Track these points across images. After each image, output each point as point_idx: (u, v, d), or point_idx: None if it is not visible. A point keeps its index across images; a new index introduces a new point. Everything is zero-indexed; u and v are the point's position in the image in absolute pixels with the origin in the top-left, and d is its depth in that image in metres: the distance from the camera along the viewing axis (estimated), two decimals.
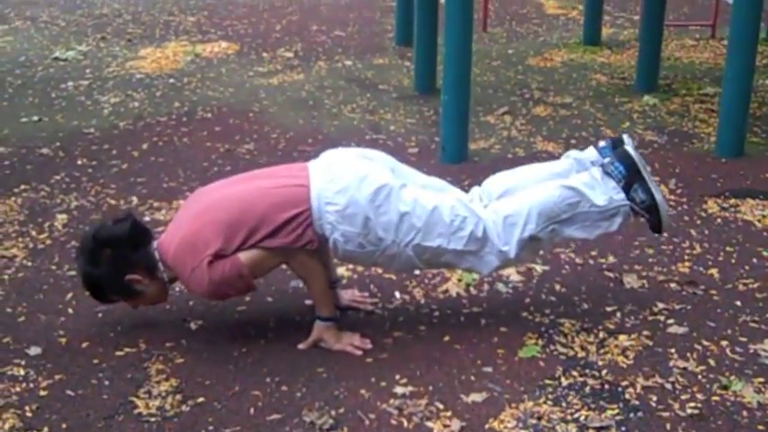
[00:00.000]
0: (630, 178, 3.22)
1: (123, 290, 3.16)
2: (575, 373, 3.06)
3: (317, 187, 3.08)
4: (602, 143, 3.45)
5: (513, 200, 3.24)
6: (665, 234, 4.07)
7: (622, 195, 3.22)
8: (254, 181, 3.20)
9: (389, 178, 3.14)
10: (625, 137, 3.43)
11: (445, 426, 2.79)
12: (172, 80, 6.50)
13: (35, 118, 5.68)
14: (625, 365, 3.10)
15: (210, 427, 2.79)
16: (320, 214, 3.06)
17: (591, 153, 3.43)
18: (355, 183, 3.07)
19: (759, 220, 4.24)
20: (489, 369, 3.09)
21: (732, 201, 4.45)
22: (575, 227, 3.24)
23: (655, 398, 2.92)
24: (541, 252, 3.40)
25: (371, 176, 3.10)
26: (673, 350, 3.19)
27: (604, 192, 3.22)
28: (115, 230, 3.16)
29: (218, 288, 3.05)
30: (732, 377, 3.03)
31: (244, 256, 3.03)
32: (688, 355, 3.16)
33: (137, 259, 3.13)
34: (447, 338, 3.28)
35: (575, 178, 3.28)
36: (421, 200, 3.13)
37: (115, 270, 3.11)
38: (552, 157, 4.99)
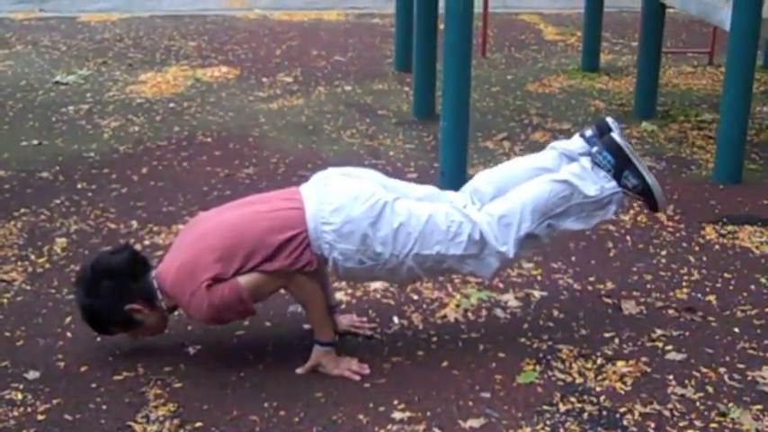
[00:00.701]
0: (620, 165, 3.22)
1: (123, 320, 3.17)
2: (572, 399, 3.06)
3: (311, 208, 3.11)
4: (588, 132, 3.42)
5: (506, 200, 3.24)
6: (663, 260, 4.09)
7: (614, 183, 3.22)
8: (249, 206, 3.22)
9: (382, 193, 3.16)
10: (610, 121, 3.41)
11: None
12: (172, 104, 6.52)
13: (35, 142, 5.70)
14: (623, 392, 3.10)
15: None
16: (317, 234, 3.08)
17: (577, 143, 3.40)
18: (349, 201, 3.09)
19: (757, 247, 4.25)
20: (487, 395, 3.09)
21: (730, 227, 4.46)
22: (570, 219, 3.24)
23: (653, 425, 2.92)
24: (547, 241, 3.35)
25: (364, 194, 3.12)
26: (671, 377, 3.19)
27: (595, 181, 3.22)
28: (113, 261, 3.18)
29: (217, 312, 3.06)
30: (730, 404, 3.03)
31: (243, 279, 3.04)
32: (686, 381, 3.16)
33: (136, 289, 3.15)
34: (445, 364, 3.29)
35: (564, 171, 3.27)
36: (414, 210, 3.15)
37: (114, 301, 3.12)
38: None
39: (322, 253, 3.12)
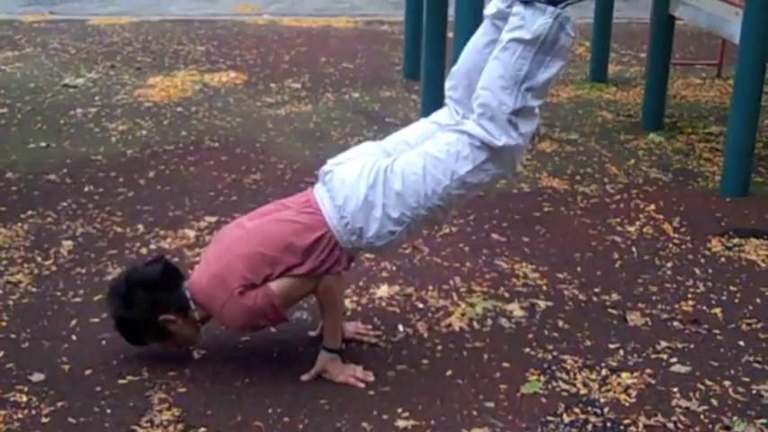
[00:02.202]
0: None
1: (157, 331, 3.18)
2: (577, 410, 3.05)
3: (327, 207, 3.14)
4: None
5: (476, 95, 3.13)
6: (669, 272, 4.08)
7: (551, 8, 3.04)
8: (272, 214, 3.23)
9: (379, 161, 3.17)
10: None
11: None
12: (180, 109, 6.54)
13: (43, 144, 5.72)
14: (627, 404, 3.10)
15: None
16: (342, 230, 3.12)
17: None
18: (354, 186, 3.12)
19: (763, 260, 4.24)
20: (491, 404, 3.09)
21: (736, 240, 4.45)
22: (541, 70, 3.07)
23: None
24: (540, 102, 3.15)
25: (364, 171, 3.14)
26: (675, 389, 3.18)
27: (535, 19, 3.04)
28: (148, 272, 3.20)
29: (251, 319, 3.09)
30: (735, 418, 3.02)
31: (274, 285, 3.06)
32: (691, 394, 3.16)
33: (170, 300, 3.16)
34: (449, 373, 3.29)
35: (504, 34, 3.12)
36: (411, 159, 3.14)
37: (149, 312, 3.13)
38: (557, 193, 5.03)
39: (353, 246, 3.16)
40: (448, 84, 3.41)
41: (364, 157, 3.26)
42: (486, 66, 3.13)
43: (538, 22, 3.03)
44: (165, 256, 3.41)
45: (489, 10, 3.30)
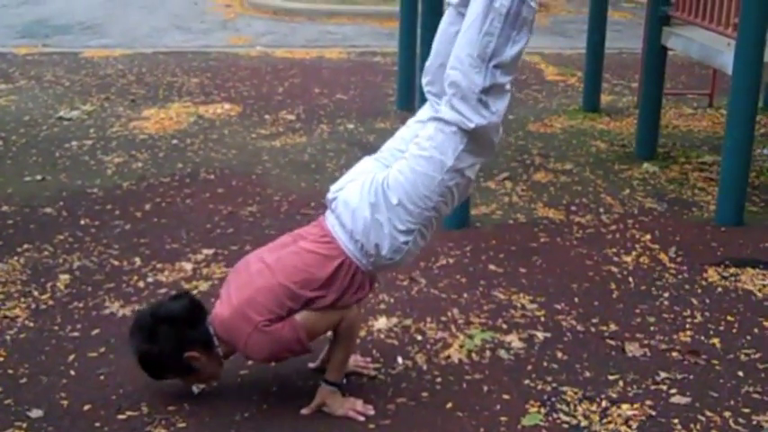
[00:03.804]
0: None
1: (181, 368, 3.17)
2: None
3: (339, 234, 3.16)
4: None
5: (447, 77, 3.10)
6: (666, 302, 4.09)
7: None
8: (290, 246, 3.22)
9: (375, 175, 3.18)
10: None
11: None
12: (175, 141, 6.55)
13: (39, 177, 5.72)
14: None
15: None
16: (358, 254, 3.14)
17: None
18: (358, 207, 3.13)
19: (759, 290, 4.25)
20: None
21: (732, 270, 4.47)
22: (508, 46, 3.03)
23: None
24: (510, 78, 3.10)
25: (364, 189, 3.15)
26: (676, 420, 3.18)
27: None
28: (174, 308, 3.19)
29: (277, 351, 3.10)
30: None
31: (300, 317, 3.07)
32: (691, 425, 3.16)
33: (195, 336, 3.15)
34: (449, 405, 3.28)
35: (468, 12, 3.09)
36: (402, 168, 3.13)
37: (174, 348, 3.12)
38: (553, 223, 5.04)
39: (373, 266, 3.18)
40: (424, 80, 3.41)
41: (363, 175, 3.26)
42: (455, 45, 3.11)
43: None
44: (190, 291, 3.39)
45: None
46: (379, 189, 3.13)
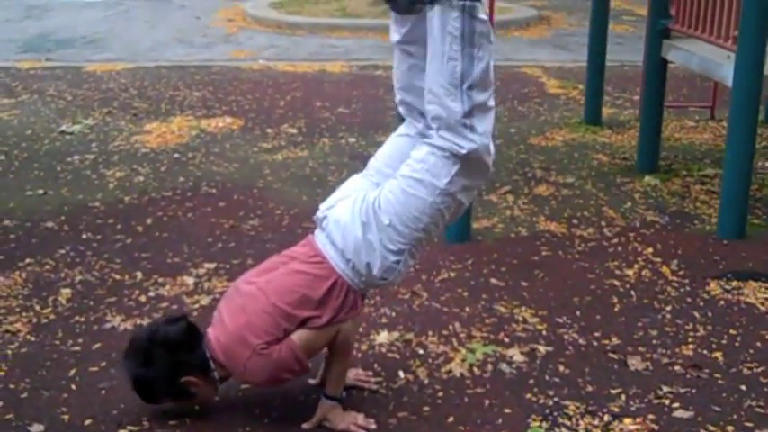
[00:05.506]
0: None
1: (177, 392, 3.15)
2: None
3: (330, 253, 3.14)
4: None
5: (428, 112, 3.07)
6: (668, 316, 4.08)
7: (456, 1, 2.93)
8: (278, 268, 3.20)
9: (366, 194, 3.16)
10: None
11: None
12: (177, 155, 6.56)
13: (40, 191, 5.72)
14: None
15: None
16: (350, 273, 3.12)
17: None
18: (349, 228, 3.12)
19: (762, 303, 4.25)
20: None
21: (734, 283, 4.46)
22: (474, 66, 2.98)
23: None
24: (488, 96, 3.05)
25: (355, 210, 3.13)
26: None
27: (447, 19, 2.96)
28: (171, 331, 3.15)
29: (275, 373, 3.07)
30: None
31: (296, 337, 3.05)
32: None
33: (192, 361, 3.13)
34: (451, 419, 3.27)
35: (428, 45, 3.02)
36: (392, 195, 3.10)
37: (171, 372, 3.10)
38: (555, 237, 5.04)
39: (365, 285, 3.17)
40: (396, 99, 3.37)
41: (353, 194, 3.24)
42: (425, 80, 3.08)
43: (450, 20, 2.95)
44: (186, 314, 3.38)
45: (393, 37, 3.25)
46: (371, 209, 3.12)
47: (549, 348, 3.81)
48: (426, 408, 3.36)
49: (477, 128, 3.04)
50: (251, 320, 3.04)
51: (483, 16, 2.99)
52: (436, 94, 3.02)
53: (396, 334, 3.91)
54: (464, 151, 3.03)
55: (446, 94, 3.00)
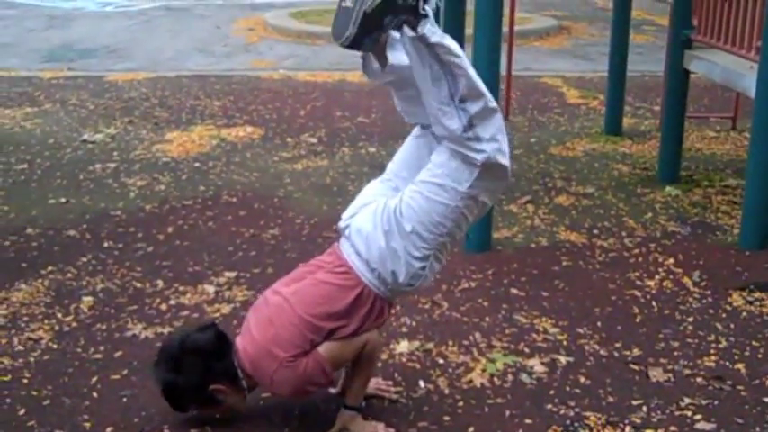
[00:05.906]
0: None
1: (205, 400, 3.17)
2: None
3: (356, 263, 3.14)
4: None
5: (438, 138, 3.09)
6: (690, 327, 4.06)
7: (408, 31, 2.89)
8: (305, 278, 3.21)
9: (387, 209, 3.12)
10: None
11: None
12: (197, 164, 6.58)
13: (63, 200, 5.76)
14: None
15: None
16: (376, 282, 3.12)
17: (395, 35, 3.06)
18: (372, 236, 3.11)
19: None
20: None
21: (757, 294, 4.43)
22: (458, 80, 2.95)
23: None
24: (485, 104, 3.01)
25: (377, 218, 3.12)
26: None
27: (413, 46, 2.94)
28: (201, 339, 3.18)
29: (302, 385, 3.08)
30: None
31: (323, 349, 3.06)
32: None
33: (221, 369, 3.14)
34: (471, 429, 3.27)
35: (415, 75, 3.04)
36: (413, 201, 3.08)
37: (200, 379, 3.12)
38: (575, 247, 5.02)
39: (392, 293, 3.17)
40: (399, 109, 3.36)
41: (373, 200, 3.24)
42: (424, 104, 3.08)
43: (413, 47, 2.94)
44: (216, 322, 3.40)
45: (376, 82, 3.24)
46: (392, 217, 3.11)
47: (570, 359, 3.80)
48: (447, 418, 3.35)
49: (482, 136, 3.02)
50: (278, 333, 3.05)
51: (435, 39, 2.91)
52: (435, 116, 3.03)
53: (416, 343, 3.90)
54: (479, 162, 3.03)
55: (442, 114, 3.00)
